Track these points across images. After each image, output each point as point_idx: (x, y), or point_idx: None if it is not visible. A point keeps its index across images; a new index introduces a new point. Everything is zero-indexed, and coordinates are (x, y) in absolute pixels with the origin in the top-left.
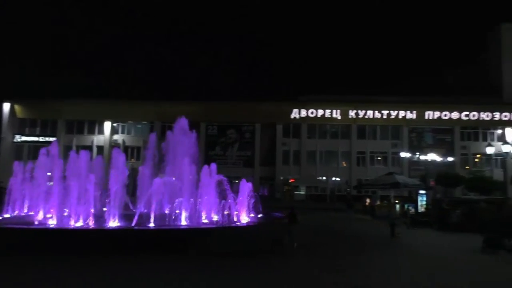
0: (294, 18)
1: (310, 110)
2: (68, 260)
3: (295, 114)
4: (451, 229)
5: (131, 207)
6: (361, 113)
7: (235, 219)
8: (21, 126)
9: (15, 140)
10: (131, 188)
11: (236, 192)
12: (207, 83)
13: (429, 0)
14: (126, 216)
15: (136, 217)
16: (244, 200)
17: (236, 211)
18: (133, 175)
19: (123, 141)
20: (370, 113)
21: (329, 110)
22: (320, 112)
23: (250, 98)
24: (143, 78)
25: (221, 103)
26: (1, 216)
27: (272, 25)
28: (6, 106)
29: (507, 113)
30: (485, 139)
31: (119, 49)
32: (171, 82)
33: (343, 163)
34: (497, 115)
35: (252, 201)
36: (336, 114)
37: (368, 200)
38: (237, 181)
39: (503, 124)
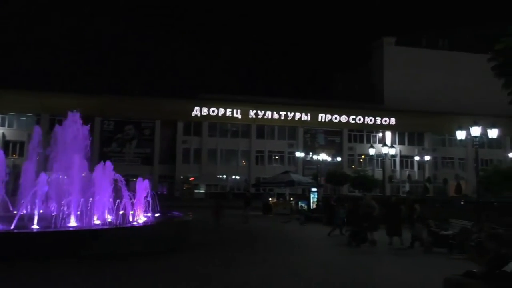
0: (195, 13)
1: (212, 109)
2: None
3: (196, 112)
4: (338, 224)
5: (10, 208)
6: (261, 114)
7: (130, 219)
8: None
9: None
10: (12, 187)
11: (133, 191)
12: (103, 76)
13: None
14: (5, 218)
15: (16, 219)
16: (141, 199)
17: (132, 210)
18: (14, 172)
19: (3, 135)
20: (269, 113)
21: (230, 109)
22: (221, 110)
23: (150, 94)
24: (30, 64)
25: (118, 97)
26: None
27: (173, 20)
28: None
29: (386, 118)
30: (368, 141)
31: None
32: (61, 71)
33: (243, 161)
34: (378, 120)
35: (150, 200)
36: (237, 114)
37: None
38: (134, 180)
39: (384, 128)
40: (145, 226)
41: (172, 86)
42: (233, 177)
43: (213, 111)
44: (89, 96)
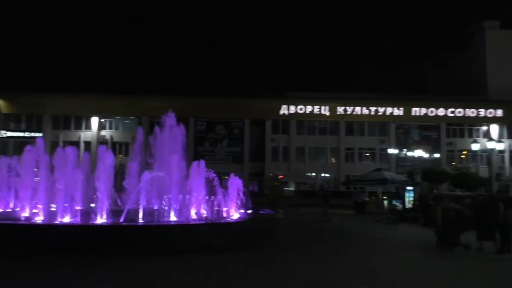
0: (280, 15)
1: (299, 106)
2: (60, 257)
3: (284, 110)
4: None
5: (119, 203)
6: (349, 110)
7: (224, 215)
8: (6, 121)
9: (0, 136)
10: (119, 184)
11: (225, 188)
12: (195, 79)
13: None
14: (114, 212)
15: (124, 213)
16: (234, 196)
17: (225, 207)
18: (121, 171)
19: (111, 137)
20: (358, 109)
21: (318, 107)
22: (309, 108)
23: (239, 94)
24: (131, 73)
25: (210, 98)
26: None
27: (260, 23)
28: None
29: (492, 110)
30: (470, 136)
31: (106, 43)
32: (159, 77)
33: (332, 159)
34: (482, 112)
35: (242, 197)
36: (325, 111)
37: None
38: (226, 177)
39: (488, 121)
40: (238, 222)
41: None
42: (322, 174)
43: (301, 109)
44: (182, 97)
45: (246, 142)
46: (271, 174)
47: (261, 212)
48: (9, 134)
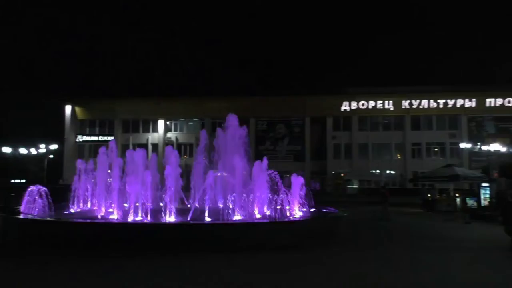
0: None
1: (361, 102)
2: (132, 253)
3: (345, 106)
4: None
5: (186, 202)
6: (415, 103)
7: (287, 213)
8: (82, 127)
9: (77, 140)
10: (185, 184)
11: (287, 186)
12: (253, 79)
13: None
14: (181, 210)
15: (191, 212)
16: (296, 195)
17: (288, 205)
18: (186, 171)
19: (176, 139)
20: (425, 102)
21: (381, 101)
22: (372, 103)
23: (298, 92)
24: (190, 76)
25: (269, 98)
26: (67, 212)
27: (312, 20)
28: (68, 109)
29: None
30: None
31: (166, 50)
32: (219, 79)
33: (397, 155)
34: None
35: (304, 195)
36: (389, 105)
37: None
38: (288, 176)
39: None
40: (302, 220)
41: (318, 82)
42: (387, 171)
43: (363, 105)
44: (242, 98)
45: (307, 140)
46: (333, 172)
47: (324, 210)
48: (85, 138)
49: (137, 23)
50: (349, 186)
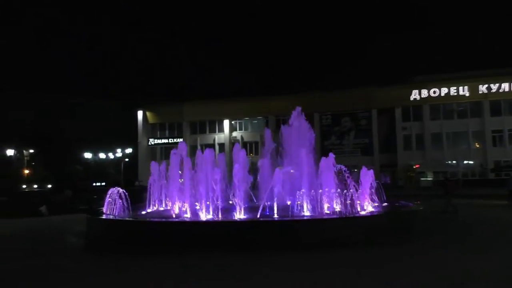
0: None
1: (432, 90)
2: (206, 252)
3: (414, 95)
4: None
5: (254, 200)
6: (494, 87)
7: (358, 208)
8: (153, 131)
9: (149, 144)
10: (253, 182)
11: (356, 181)
12: (314, 74)
13: None
14: (250, 208)
15: (260, 209)
16: (366, 189)
17: (358, 200)
18: (253, 169)
19: (242, 137)
20: (505, 86)
21: (455, 88)
22: (444, 90)
23: (363, 84)
24: (252, 75)
25: (333, 92)
26: (145, 211)
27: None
28: (139, 114)
29: None
30: None
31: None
32: (280, 76)
33: (476, 144)
34: None
35: (375, 190)
36: (464, 91)
37: None
38: (356, 170)
39: None
40: (373, 215)
41: (382, 73)
42: (465, 162)
43: (434, 92)
44: (305, 93)
45: (375, 132)
46: (404, 164)
47: (397, 204)
48: (156, 141)
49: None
50: (422, 179)
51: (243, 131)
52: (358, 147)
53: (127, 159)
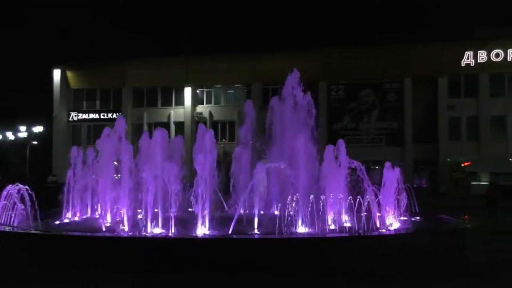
0: None
1: (494, 52)
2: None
3: (468, 59)
4: None
5: (225, 207)
6: None
7: (377, 224)
8: (77, 100)
9: (70, 119)
10: (224, 180)
11: (377, 183)
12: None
13: None
14: (220, 219)
15: (233, 222)
16: (391, 196)
17: (378, 212)
18: (225, 161)
19: (210, 114)
20: None
21: None
22: None
23: (392, 39)
24: (228, 26)
25: (349, 49)
26: (59, 221)
27: None
28: (57, 74)
29: None
30: None
31: None
32: (267, 29)
33: None
34: None
35: (403, 197)
36: None
37: None
38: (377, 167)
39: None
40: (401, 234)
41: (420, 24)
42: None
43: (497, 55)
44: (308, 53)
45: (408, 112)
46: (449, 160)
47: (437, 219)
48: (81, 116)
49: None
50: (474, 183)
51: (212, 104)
52: (383, 134)
53: (35, 142)
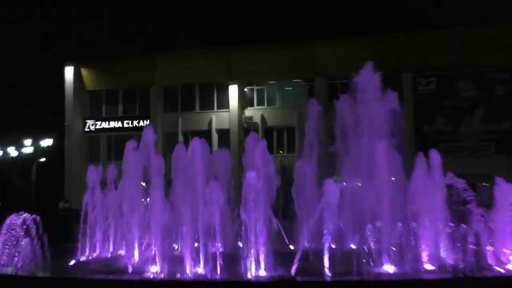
0: None
1: None
2: None
3: None
4: None
5: (285, 239)
6: None
7: (489, 261)
8: (94, 105)
9: (86, 129)
10: (282, 204)
11: (486, 205)
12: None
13: None
14: (278, 255)
15: (297, 259)
16: (506, 222)
17: (491, 245)
18: (284, 178)
19: (262, 118)
20: None
21: None
22: None
23: (499, 15)
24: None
25: (437, 32)
26: (74, 260)
27: None
28: (69, 72)
29: None
30: None
31: None
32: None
33: None
34: None
35: None
36: None
37: None
38: (487, 184)
39: None
40: None
41: None
42: None
43: None
44: (385, 37)
45: None
46: None
47: None
48: (99, 125)
49: None
50: None
51: (265, 106)
52: (490, 139)
53: (43, 159)
